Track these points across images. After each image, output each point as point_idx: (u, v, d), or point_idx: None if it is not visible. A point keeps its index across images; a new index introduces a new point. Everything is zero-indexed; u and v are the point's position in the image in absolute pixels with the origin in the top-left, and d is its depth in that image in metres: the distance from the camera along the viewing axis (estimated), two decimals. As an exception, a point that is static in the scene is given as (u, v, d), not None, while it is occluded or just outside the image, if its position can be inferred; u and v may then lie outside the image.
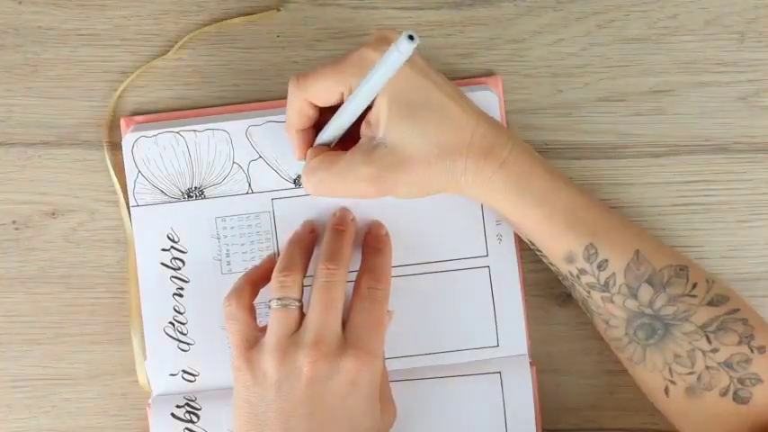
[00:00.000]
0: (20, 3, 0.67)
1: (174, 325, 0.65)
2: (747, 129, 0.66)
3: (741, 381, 0.58)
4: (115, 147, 0.66)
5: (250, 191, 0.66)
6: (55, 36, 0.67)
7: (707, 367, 0.58)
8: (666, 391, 0.60)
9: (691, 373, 0.59)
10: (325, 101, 0.60)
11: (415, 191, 0.61)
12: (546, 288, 0.67)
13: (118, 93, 0.66)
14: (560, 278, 0.63)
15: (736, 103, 0.66)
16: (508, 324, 0.66)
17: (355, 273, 0.62)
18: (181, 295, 0.66)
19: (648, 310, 0.59)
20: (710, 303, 0.59)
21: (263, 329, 0.60)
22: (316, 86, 0.59)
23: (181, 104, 0.67)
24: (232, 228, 0.66)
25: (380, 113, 0.59)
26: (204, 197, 0.66)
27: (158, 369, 0.66)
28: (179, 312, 0.66)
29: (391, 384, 0.63)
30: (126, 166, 0.66)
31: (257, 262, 0.65)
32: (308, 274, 0.62)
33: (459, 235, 0.66)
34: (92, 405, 0.67)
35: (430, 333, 0.66)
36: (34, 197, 0.67)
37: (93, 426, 0.67)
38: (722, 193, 0.66)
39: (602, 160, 0.66)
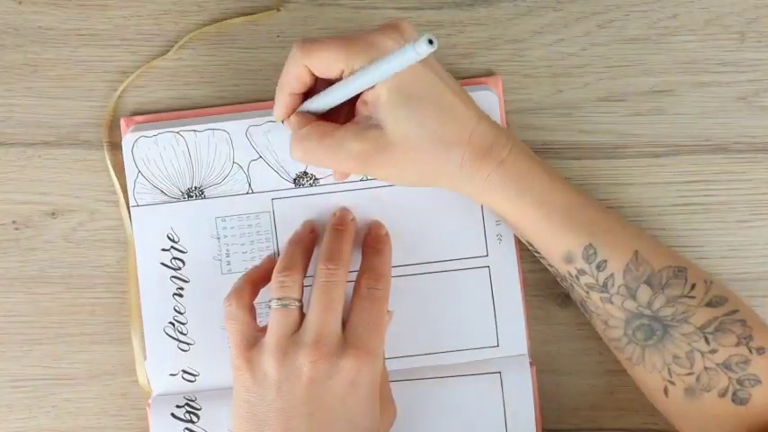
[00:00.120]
0: (20, 3, 0.66)
1: (174, 325, 0.65)
2: (747, 129, 0.66)
3: (740, 382, 0.58)
4: (115, 147, 0.66)
5: (250, 191, 0.65)
6: (55, 36, 0.66)
7: (705, 368, 0.58)
8: (665, 391, 0.60)
9: (689, 374, 0.58)
10: (324, 73, 0.59)
11: (403, 177, 0.60)
12: (546, 288, 0.66)
13: (118, 93, 0.66)
14: (559, 279, 0.62)
15: (736, 103, 0.66)
16: (508, 324, 0.65)
17: (355, 273, 0.62)
18: (181, 295, 0.65)
19: (647, 311, 0.59)
20: (709, 304, 0.59)
21: (263, 329, 0.60)
22: (320, 57, 0.58)
23: (181, 104, 0.66)
24: (232, 228, 0.66)
25: (381, 97, 0.58)
26: (204, 197, 0.65)
27: (158, 369, 0.65)
28: (179, 312, 0.65)
29: (391, 384, 0.62)
30: (126, 166, 0.65)
31: (257, 262, 0.65)
32: (308, 275, 0.62)
33: (459, 235, 0.66)
34: (92, 405, 0.67)
35: (430, 333, 0.65)
36: (34, 197, 0.66)
37: (93, 426, 0.67)
38: (722, 193, 0.66)
39: (602, 160, 0.66)
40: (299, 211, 0.65)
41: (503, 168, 0.59)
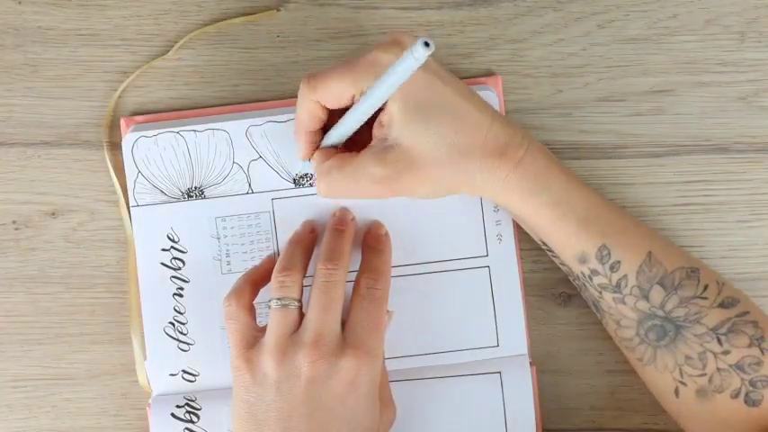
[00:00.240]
0: (20, 3, 0.66)
1: (174, 325, 0.65)
2: (747, 129, 0.66)
3: (752, 383, 0.58)
4: (115, 147, 0.66)
5: (250, 191, 0.65)
6: (55, 36, 0.66)
7: (718, 369, 0.58)
8: (677, 392, 0.59)
9: (702, 375, 0.58)
10: (336, 103, 0.59)
11: (429, 191, 0.60)
12: (546, 288, 0.66)
13: (118, 93, 0.66)
14: (571, 278, 0.62)
15: (736, 103, 0.66)
16: (508, 324, 0.65)
17: (355, 273, 0.62)
18: (181, 295, 0.65)
19: (660, 312, 0.59)
20: (721, 305, 0.58)
21: (263, 330, 0.59)
22: (327, 88, 0.58)
23: (181, 104, 0.66)
24: (232, 228, 0.65)
25: (393, 115, 0.58)
26: (204, 197, 0.65)
27: (158, 369, 0.65)
28: (179, 312, 0.65)
29: (391, 384, 0.62)
30: (126, 167, 0.65)
31: (257, 262, 0.64)
32: (308, 275, 0.62)
33: (458, 235, 0.65)
34: (92, 405, 0.66)
35: (430, 333, 0.65)
36: (34, 197, 0.66)
37: (93, 426, 0.66)
38: (722, 193, 0.66)
39: (602, 160, 0.66)
40: (299, 211, 0.65)
41: (520, 168, 0.59)
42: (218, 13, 0.66)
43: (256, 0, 0.66)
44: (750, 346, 0.58)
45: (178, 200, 0.65)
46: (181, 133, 0.65)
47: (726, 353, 0.58)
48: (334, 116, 0.60)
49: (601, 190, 0.65)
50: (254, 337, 0.59)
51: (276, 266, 0.60)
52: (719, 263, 0.66)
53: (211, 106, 0.66)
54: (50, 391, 0.66)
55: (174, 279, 0.65)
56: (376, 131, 0.60)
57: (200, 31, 0.66)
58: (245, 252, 0.65)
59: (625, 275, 0.59)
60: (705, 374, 0.58)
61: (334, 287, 0.59)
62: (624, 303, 0.59)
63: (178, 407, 0.64)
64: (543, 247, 0.62)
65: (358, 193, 0.60)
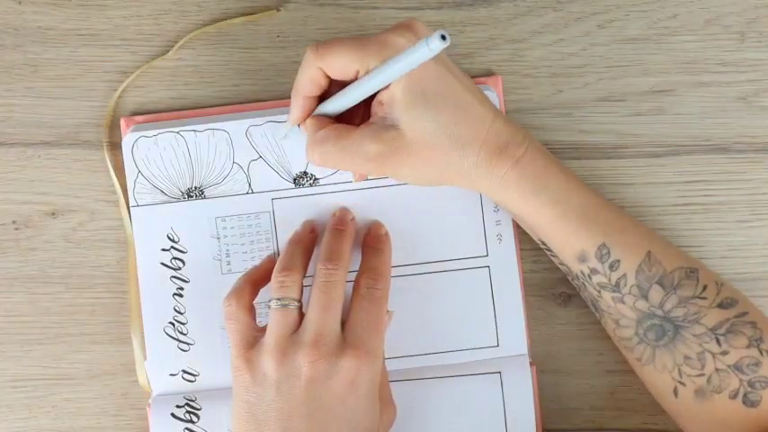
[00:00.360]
0: (20, 3, 0.66)
1: (174, 325, 0.65)
2: (747, 129, 0.66)
3: (751, 384, 0.57)
4: (115, 147, 0.66)
5: (250, 191, 0.65)
6: (55, 36, 0.66)
7: (717, 369, 0.58)
8: (675, 392, 0.59)
9: (700, 375, 0.58)
10: (340, 75, 0.58)
11: (420, 177, 0.60)
12: (546, 288, 0.66)
13: (118, 93, 0.66)
14: (570, 278, 0.62)
15: (736, 103, 0.66)
16: (508, 324, 0.65)
17: (355, 273, 0.62)
18: (181, 295, 0.65)
19: (659, 312, 0.58)
20: (720, 306, 0.58)
21: (263, 330, 0.59)
22: (334, 59, 0.57)
23: (181, 104, 0.66)
24: (232, 228, 0.65)
25: (395, 96, 0.57)
26: (204, 197, 0.65)
27: (158, 369, 0.65)
28: (179, 312, 0.65)
29: (391, 384, 0.62)
30: (126, 167, 0.65)
31: (257, 262, 0.64)
32: (308, 275, 0.62)
33: (458, 235, 0.65)
34: (92, 405, 0.66)
35: (430, 333, 0.65)
36: (34, 197, 0.66)
37: (93, 426, 0.66)
38: (722, 193, 0.66)
39: (602, 160, 0.66)
40: (299, 211, 0.65)
41: (519, 167, 0.59)
42: (218, 13, 0.66)
43: (256, 0, 0.66)
44: (749, 346, 0.58)
45: (178, 200, 0.65)
46: (181, 133, 0.65)
47: (724, 353, 0.58)
48: (332, 86, 0.60)
49: (601, 190, 0.65)
50: (254, 338, 0.59)
51: (276, 266, 0.60)
52: (719, 263, 0.66)
53: (211, 106, 0.66)
54: (50, 391, 0.66)
55: (174, 279, 0.65)
56: (375, 109, 0.59)
57: (200, 31, 0.66)
58: (245, 252, 0.65)
59: (624, 275, 0.59)
60: (704, 375, 0.58)
61: (334, 287, 0.58)
62: (623, 303, 0.59)
63: (178, 407, 0.64)
64: (542, 246, 0.62)
65: (349, 167, 0.60)
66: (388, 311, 0.60)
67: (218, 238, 0.65)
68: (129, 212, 0.65)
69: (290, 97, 0.65)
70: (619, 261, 0.58)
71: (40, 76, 0.66)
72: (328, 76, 0.59)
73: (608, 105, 0.66)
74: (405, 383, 0.64)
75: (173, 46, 0.66)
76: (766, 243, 0.66)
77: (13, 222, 0.66)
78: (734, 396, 0.58)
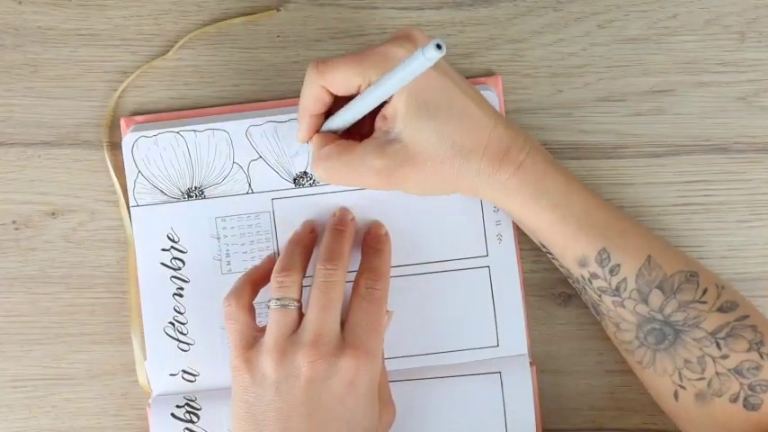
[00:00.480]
0: (20, 3, 0.66)
1: (174, 325, 0.65)
2: (747, 129, 0.66)
3: (751, 387, 0.57)
4: (115, 147, 0.66)
5: (250, 191, 0.65)
6: (55, 36, 0.66)
7: (717, 373, 0.57)
8: (676, 395, 0.59)
9: (701, 379, 0.58)
10: (342, 90, 0.58)
11: (425, 188, 0.60)
12: (546, 288, 0.66)
13: (118, 93, 0.66)
14: (570, 281, 0.62)
15: (736, 103, 0.66)
16: (508, 324, 0.65)
17: (355, 273, 0.62)
18: (181, 295, 0.65)
19: (659, 316, 0.58)
20: (720, 310, 0.58)
21: (263, 330, 0.59)
22: (335, 75, 0.58)
23: (181, 104, 0.66)
24: (232, 228, 0.65)
25: (398, 109, 0.57)
26: (204, 197, 0.65)
27: (158, 369, 0.65)
28: (179, 312, 0.65)
29: (391, 384, 0.62)
30: (126, 167, 0.65)
31: (257, 262, 0.64)
32: (307, 275, 0.61)
33: (459, 235, 0.65)
34: (92, 405, 0.66)
35: (430, 333, 0.65)
36: (34, 197, 0.66)
37: (93, 426, 0.66)
38: (722, 193, 0.66)
39: (602, 160, 0.66)
40: (299, 211, 0.65)
41: (521, 172, 0.58)
42: (218, 13, 0.66)
43: (256, 0, 0.66)
44: (749, 350, 0.57)
45: (178, 200, 0.65)
46: (181, 133, 0.64)
47: (725, 357, 0.57)
48: (338, 101, 0.60)
49: (600, 190, 0.65)
50: (253, 338, 0.59)
51: (276, 267, 0.60)
52: (719, 263, 0.65)
53: (211, 106, 0.66)
54: (50, 391, 0.66)
55: (174, 279, 0.65)
56: (379, 123, 0.59)
57: (200, 31, 0.66)
58: (245, 252, 0.65)
59: (624, 279, 0.58)
60: (704, 378, 0.58)
61: (334, 287, 0.58)
62: (623, 307, 0.59)
63: (178, 407, 0.64)
64: (543, 249, 0.62)
65: (355, 182, 0.60)
66: (387, 311, 0.60)
67: (218, 238, 0.65)
68: (129, 212, 0.65)
69: (289, 97, 0.65)
70: (619, 265, 0.58)
71: (40, 76, 0.66)
72: (332, 93, 0.59)
73: (608, 105, 0.66)
74: (405, 383, 0.64)
75: (173, 46, 0.66)
76: (766, 243, 0.66)
77: (13, 222, 0.66)
78: (734, 400, 0.57)
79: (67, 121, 0.66)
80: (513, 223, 0.65)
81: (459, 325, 0.65)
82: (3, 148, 0.66)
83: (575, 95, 0.66)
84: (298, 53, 0.66)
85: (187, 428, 0.64)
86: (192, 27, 0.66)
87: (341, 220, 0.63)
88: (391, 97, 0.57)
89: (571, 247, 0.59)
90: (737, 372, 0.57)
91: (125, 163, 0.65)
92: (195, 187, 0.65)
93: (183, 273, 0.65)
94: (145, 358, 0.65)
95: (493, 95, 0.64)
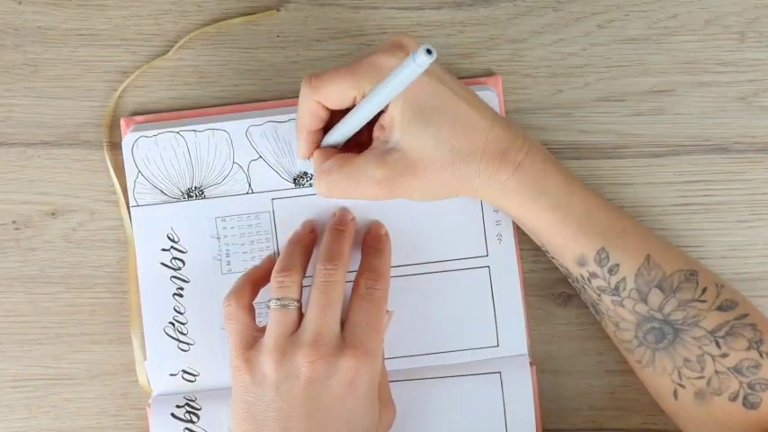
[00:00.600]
0: (20, 3, 0.66)
1: (174, 325, 0.65)
2: (747, 129, 0.65)
3: (751, 386, 0.57)
4: (115, 147, 0.66)
5: (250, 191, 0.65)
6: (55, 36, 0.66)
7: (716, 372, 0.57)
8: (675, 394, 0.59)
9: (700, 378, 0.58)
10: (338, 104, 0.58)
11: (428, 194, 0.60)
12: (546, 288, 0.66)
13: (118, 93, 0.66)
14: (570, 280, 0.62)
15: (736, 103, 0.65)
16: (508, 324, 0.65)
17: (355, 273, 0.61)
18: (181, 295, 0.65)
19: (658, 315, 0.58)
20: (720, 308, 0.58)
21: (263, 330, 0.59)
22: (328, 89, 0.57)
23: (181, 104, 0.66)
24: (232, 228, 0.65)
25: (394, 117, 0.57)
26: (204, 197, 0.65)
27: (158, 369, 0.64)
28: (179, 312, 0.65)
29: (391, 384, 0.62)
30: (126, 167, 0.65)
31: (257, 262, 0.64)
32: (308, 275, 0.61)
33: (459, 235, 0.65)
34: (92, 405, 0.66)
35: (430, 333, 0.65)
36: (34, 197, 0.66)
37: (93, 426, 0.66)
38: (722, 193, 0.66)
39: (602, 160, 0.66)
40: (298, 211, 0.65)
41: (520, 172, 0.58)
42: (219, 13, 0.66)
43: (256, 0, 0.66)
44: (749, 349, 0.57)
45: (178, 200, 0.65)
46: (181, 133, 0.64)
47: (724, 356, 0.57)
48: (335, 115, 0.60)
49: (600, 190, 0.65)
50: (253, 338, 0.59)
51: (275, 267, 0.60)
52: (719, 263, 0.65)
53: (211, 106, 0.66)
54: (50, 391, 0.66)
55: (174, 279, 0.65)
56: (377, 133, 0.59)
57: (200, 31, 0.66)
58: (245, 252, 0.65)
59: (623, 278, 0.58)
60: (703, 377, 0.58)
61: (334, 287, 0.58)
62: (623, 306, 0.59)
63: (178, 407, 0.64)
64: (542, 249, 0.62)
65: (357, 194, 0.60)
66: (387, 311, 0.60)
67: (218, 238, 0.65)
68: (129, 212, 0.65)
69: (289, 97, 0.65)
70: (618, 265, 0.58)
71: (40, 76, 0.66)
72: (327, 108, 0.59)
73: (608, 105, 0.65)
74: (405, 383, 0.64)
75: (173, 46, 0.65)
76: (766, 243, 0.65)
77: (13, 222, 0.66)
78: (734, 398, 0.57)
79: (67, 121, 0.66)
80: (513, 223, 0.64)
81: (459, 325, 0.65)
82: (3, 148, 0.66)
83: (575, 95, 0.65)
84: (298, 53, 0.66)
85: (187, 428, 0.64)
86: (192, 27, 0.66)
87: (341, 220, 0.63)
88: (387, 106, 0.57)
89: (570, 247, 0.59)
90: (737, 370, 0.57)
91: (125, 163, 0.64)
92: (195, 187, 0.65)
93: (183, 273, 0.65)
94: (145, 358, 0.65)
95: (493, 95, 0.64)
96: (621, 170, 0.65)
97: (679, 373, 0.58)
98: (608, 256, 0.58)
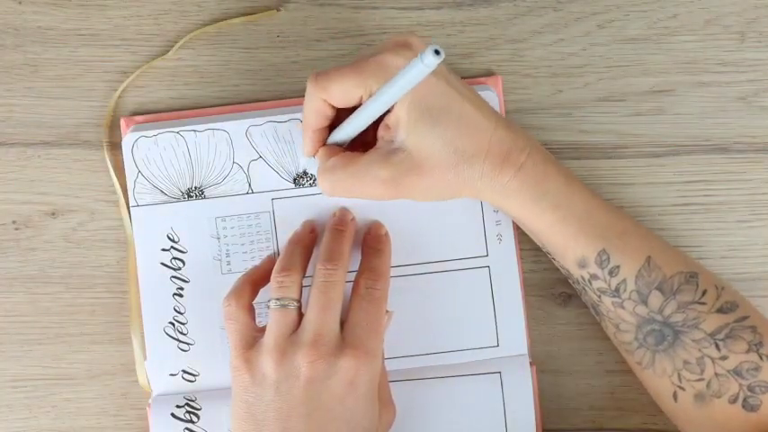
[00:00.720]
0: (20, 3, 0.66)
1: (174, 325, 0.65)
2: (747, 129, 0.65)
3: (750, 388, 0.57)
4: (115, 147, 0.65)
5: (250, 191, 0.65)
6: (55, 36, 0.66)
7: (716, 374, 0.57)
8: (675, 396, 0.59)
9: (700, 380, 0.58)
10: (344, 102, 0.58)
11: (431, 195, 0.60)
12: (546, 288, 0.66)
13: (118, 93, 0.66)
14: (571, 281, 0.62)
15: (736, 103, 0.65)
16: (508, 324, 0.64)
17: (355, 273, 0.61)
18: (181, 295, 0.65)
19: (658, 317, 0.58)
20: (720, 311, 0.58)
21: (262, 330, 0.59)
22: (335, 87, 0.57)
23: (181, 104, 0.66)
24: (232, 228, 0.65)
25: (400, 118, 0.57)
26: (204, 197, 0.65)
27: (158, 369, 0.64)
28: (179, 312, 0.65)
29: (391, 384, 0.62)
30: (126, 167, 0.65)
31: (257, 262, 0.64)
32: (308, 275, 0.61)
33: (459, 235, 0.65)
34: (92, 405, 0.66)
35: (430, 333, 0.65)
36: (34, 197, 0.66)
37: (93, 426, 0.66)
38: (722, 193, 0.65)
39: (602, 160, 0.66)
40: (299, 211, 0.65)
41: (521, 174, 0.58)
42: (219, 13, 0.66)
43: (256, 0, 0.66)
44: (748, 351, 0.57)
45: (178, 200, 0.64)
46: (181, 133, 0.64)
47: (724, 358, 0.57)
48: (341, 113, 0.60)
49: (600, 190, 0.65)
50: (253, 338, 0.59)
51: (275, 267, 0.60)
52: (719, 263, 0.65)
53: (211, 106, 0.66)
54: (50, 391, 0.66)
55: (174, 279, 0.64)
56: (382, 133, 0.59)
57: (200, 31, 0.65)
58: (245, 252, 0.65)
59: (624, 280, 0.58)
60: (703, 379, 0.58)
61: (334, 287, 0.58)
62: (623, 308, 0.59)
63: (178, 407, 0.64)
64: (543, 249, 0.62)
65: (361, 194, 0.60)
66: (387, 312, 0.60)
67: (218, 238, 0.64)
68: (129, 212, 0.65)
69: (289, 97, 0.65)
70: (618, 267, 0.58)
71: (40, 76, 0.65)
72: (333, 106, 0.58)
73: (608, 105, 0.65)
74: (405, 383, 0.64)
75: (173, 46, 0.65)
76: (766, 243, 0.65)
77: (13, 222, 0.66)
78: (733, 400, 0.57)
79: (67, 121, 0.66)
80: (514, 223, 0.64)
81: (459, 325, 0.64)
82: (3, 148, 0.65)
83: (575, 95, 0.65)
84: (298, 53, 0.65)
85: (187, 428, 0.64)
86: (192, 27, 0.66)
87: (341, 220, 0.63)
88: (393, 106, 0.57)
89: (571, 248, 0.59)
90: (736, 373, 0.57)
91: (125, 163, 0.64)
92: (195, 187, 0.64)
93: (183, 273, 0.64)
94: (145, 358, 0.64)
95: (493, 95, 0.64)
96: (621, 170, 0.65)
97: (679, 375, 0.58)
98: (609, 258, 0.58)
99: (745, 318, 0.58)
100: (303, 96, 0.61)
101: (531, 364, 0.64)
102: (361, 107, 0.57)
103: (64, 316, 0.66)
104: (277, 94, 0.65)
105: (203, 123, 0.64)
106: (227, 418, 0.63)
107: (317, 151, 0.61)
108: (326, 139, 0.61)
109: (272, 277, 0.59)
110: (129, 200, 0.64)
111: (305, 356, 0.56)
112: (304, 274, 0.61)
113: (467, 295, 0.64)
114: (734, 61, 0.65)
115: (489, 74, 0.65)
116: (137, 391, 0.66)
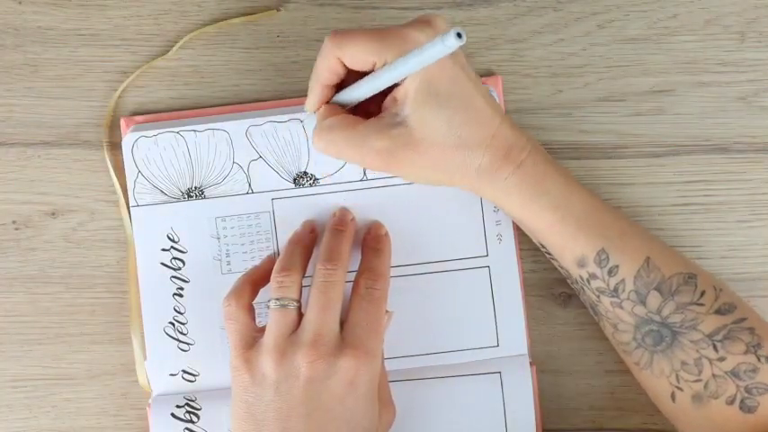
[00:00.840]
0: (20, 3, 0.66)
1: (174, 325, 0.65)
2: (747, 129, 0.65)
3: (748, 390, 0.57)
4: (115, 147, 0.65)
5: (250, 191, 0.65)
6: (55, 36, 0.66)
7: (714, 375, 0.57)
8: (673, 397, 0.59)
9: (697, 381, 0.58)
10: (357, 65, 0.58)
11: (422, 175, 0.59)
12: (546, 288, 0.66)
13: (118, 93, 0.66)
14: (569, 281, 0.62)
15: (736, 103, 0.65)
16: (508, 324, 0.64)
17: (355, 273, 0.61)
18: (181, 295, 0.65)
19: (656, 318, 0.58)
20: (718, 312, 0.58)
21: (262, 330, 0.59)
22: (351, 48, 0.57)
23: (181, 104, 0.66)
24: (232, 228, 0.65)
25: (409, 93, 0.57)
26: (204, 197, 0.65)
27: (158, 369, 0.64)
28: (179, 312, 0.65)
29: (391, 384, 0.62)
30: (126, 167, 0.64)
31: (257, 262, 0.64)
32: (308, 275, 0.61)
33: (459, 235, 0.65)
34: (92, 405, 0.66)
35: (430, 333, 0.65)
36: (34, 197, 0.66)
37: (93, 426, 0.66)
38: (722, 193, 0.65)
39: (602, 160, 0.65)
40: (299, 211, 0.65)
41: (521, 171, 0.58)
42: (219, 13, 0.66)
43: (256, 0, 0.66)
44: (746, 353, 0.57)
45: (178, 200, 0.64)
46: (181, 133, 0.64)
47: (721, 359, 0.57)
48: (350, 76, 0.59)
49: (600, 190, 0.65)
50: (253, 338, 0.59)
51: (275, 267, 0.60)
52: (719, 263, 0.65)
53: (211, 106, 0.65)
54: (50, 391, 0.66)
55: (174, 279, 0.64)
56: (388, 104, 0.59)
57: (200, 31, 0.65)
58: (245, 252, 0.65)
59: (623, 280, 0.58)
60: (701, 380, 0.58)
61: (333, 287, 0.58)
62: (621, 308, 0.59)
63: (178, 407, 0.64)
64: (542, 249, 0.62)
65: (352, 158, 0.60)
66: (387, 312, 0.60)
67: (218, 238, 0.64)
68: (129, 212, 0.65)
69: (289, 97, 0.65)
70: (617, 267, 0.58)
71: (40, 76, 0.65)
72: (345, 66, 0.58)
73: (608, 105, 0.65)
74: (405, 383, 0.64)
75: (173, 46, 0.65)
76: (766, 243, 0.65)
77: (13, 222, 0.65)
78: (731, 402, 0.57)
79: (67, 121, 0.66)
80: (513, 223, 0.64)
81: (459, 325, 0.64)
82: (3, 148, 0.65)
83: (575, 95, 0.65)
84: (298, 53, 0.65)
85: (187, 428, 0.64)
86: (192, 27, 0.66)
87: (341, 220, 0.63)
88: (404, 80, 0.57)
89: (570, 248, 0.59)
90: (734, 374, 0.57)
91: (125, 163, 0.64)
92: (195, 187, 0.64)
93: (183, 273, 0.64)
94: (145, 358, 0.64)
95: (493, 96, 0.64)
96: (621, 170, 0.65)
97: (677, 375, 0.58)
98: (608, 257, 0.58)
99: (743, 319, 0.58)
100: (303, 96, 0.61)
101: (531, 364, 0.64)
102: (373, 74, 0.57)
103: (64, 316, 0.66)
104: (277, 94, 0.65)
105: (203, 123, 0.64)
106: (227, 418, 0.63)
107: (320, 108, 0.61)
108: (331, 97, 0.61)
109: (271, 277, 0.59)
110: (129, 200, 0.64)
111: (305, 356, 0.56)
112: (304, 274, 0.60)
113: (467, 295, 0.64)
114: (734, 61, 0.65)
115: (489, 74, 0.65)
116: (137, 391, 0.65)
